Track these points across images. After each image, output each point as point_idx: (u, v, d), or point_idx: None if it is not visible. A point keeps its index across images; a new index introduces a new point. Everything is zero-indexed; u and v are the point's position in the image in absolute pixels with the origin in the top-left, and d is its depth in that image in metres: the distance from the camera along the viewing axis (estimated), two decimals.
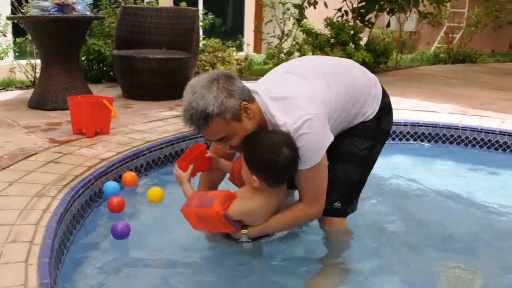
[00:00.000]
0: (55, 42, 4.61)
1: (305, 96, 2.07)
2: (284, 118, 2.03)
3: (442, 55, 11.50)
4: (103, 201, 2.91)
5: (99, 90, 5.56)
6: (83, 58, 6.23)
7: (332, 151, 2.24)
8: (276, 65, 7.53)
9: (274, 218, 2.20)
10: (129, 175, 3.14)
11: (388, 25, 9.60)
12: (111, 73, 6.29)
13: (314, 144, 2.05)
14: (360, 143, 2.35)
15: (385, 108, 2.42)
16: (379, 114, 2.37)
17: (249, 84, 2.16)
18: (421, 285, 2.27)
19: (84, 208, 2.70)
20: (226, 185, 2.52)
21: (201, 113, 1.93)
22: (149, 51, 5.42)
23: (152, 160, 3.46)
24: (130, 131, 3.84)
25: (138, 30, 5.67)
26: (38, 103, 4.69)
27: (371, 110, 2.34)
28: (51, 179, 2.75)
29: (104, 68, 6.40)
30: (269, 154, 2.01)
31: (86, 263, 2.30)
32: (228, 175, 2.43)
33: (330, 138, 2.11)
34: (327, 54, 7.44)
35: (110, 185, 2.92)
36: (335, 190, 2.32)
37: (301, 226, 2.48)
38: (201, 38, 8.02)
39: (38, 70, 5.86)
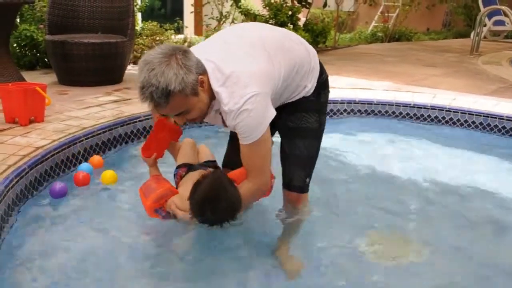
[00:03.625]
0: None
1: (249, 74, 2.05)
2: (227, 98, 2.02)
3: (379, 34, 11.79)
4: (41, 190, 2.89)
5: (34, 77, 5.38)
6: (15, 45, 5.99)
7: (286, 129, 2.36)
8: None
9: None
10: (96, 159, 3.28)
11: (325, 5, 9.73)
12: (46, 60, 6.09)
13: (254, 120, 2.03)
14: (309, 117, 2.38)
15: (323, 83, 2.44)
16: (317, 89, 2.38)
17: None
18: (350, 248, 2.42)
19: (19, 197, 2.64)
20: None
21: (163, 91, 1.88)
22: (84, 36, 5.28)
23: (90, 147, 3.40)
24: (66, 118, 3.76)
25: (71, 14, 5.51)
26: None
27: (311, 84, 2.35)
28: None
29: (38, 54, 6.18)
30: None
31: (23, 253, 2.27)
32: None
33: (272, 114, 2.10)
34: None
35: (84, 165, 3.16)
36: (303, 166, 2.41)
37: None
38: (139, 22, 7.88)
39: None
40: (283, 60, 2.18)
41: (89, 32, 5.49)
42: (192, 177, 2.25)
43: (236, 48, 2.16)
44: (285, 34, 2.36)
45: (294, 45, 2.31)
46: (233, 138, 2.61)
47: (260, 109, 2.04)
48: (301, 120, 2.38)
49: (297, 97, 2.35)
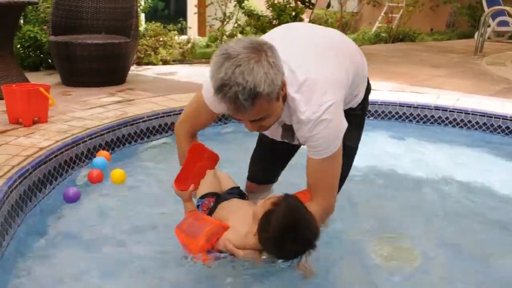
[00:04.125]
0: None
1: (325, 81, 1.84)
2: (304, 106, 1.81)
3: (383, 34, 11.77)
4: (47, 191, 2.90)
5: (37, 78, 5.38)
6: (18, 46, 6.01)
7: None
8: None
9: None
10: (103, 154, 3.32)
11: (329, 5, 9.72)
12: (49, 60, 6.11)
13: (332, 131, 1.85)
14: (351, 133, 2.14)
15: (367, 95, 2.27)
16: (364, 100, 2.21)
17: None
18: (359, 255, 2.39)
19: (22, 198, 2.64)
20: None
21: (250, 92, 1.61)
22: (87, 37, 5.29)
23: (93, 147, 3.40)
24: (70, 119, 3.76)
25: (75, 15, 5.53)
26: None
27: (361, 94, 2.17)
28: None
29: (42, 55, 6.19)
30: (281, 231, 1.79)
31: (27, 256, 2.26)
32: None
33: (346, 125, 1.91)
34: None
35: (99, 160, 3.20)
36: None
37: None
38: (143, 22, 7.89)
39: None
40: (349, 65, 2.00)
41: (92, 33, 5.50)
42: (238, 208, 2.06)
43: (307, 49, 1.94)
44: (346, 37, 2.18)
45: (353, 49, 2.12)
46: (268, 150, 2.45)
47: (338, 120, 1.86)
48: (344, 137, 2.08)
49: (345, 107, 2.11)
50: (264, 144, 2.49)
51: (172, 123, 4.07)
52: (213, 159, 2.15)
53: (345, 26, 12.02)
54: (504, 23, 11.79)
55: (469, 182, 3.29)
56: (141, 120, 3.87)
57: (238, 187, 2.32)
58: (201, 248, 1.90)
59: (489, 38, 11.38)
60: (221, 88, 1.63)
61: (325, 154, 1.88)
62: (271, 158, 2.51)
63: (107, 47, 5.21)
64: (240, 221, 1.94)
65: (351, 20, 13.05)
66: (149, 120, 3.91)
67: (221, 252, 1.94)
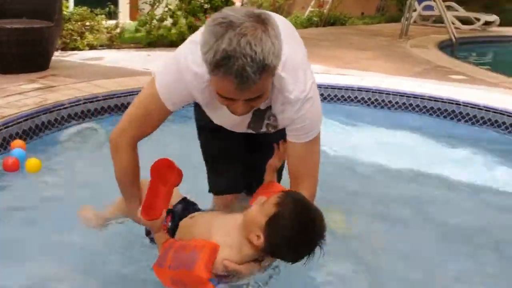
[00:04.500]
0: None
1: (302, 60, 1.77)
2: (292, 85, 1.69)
3: (314, 18, 11.93)
4: None
5: None
6: None
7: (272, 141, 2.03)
8: (148, 32, 7.39)
9: None
10: (18, 143, 3.19)
11: None
12: None
13: (317, 109, 1.77)
14: None
15: None
16: None
17: None
18: None
19: None
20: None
21: (259, 64, 1.42)
22: (7, 21, 5.05)
23: (10, 136, 3.28)
24: None
25: None
26: None
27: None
28: None
29: None
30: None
31: None
32: None
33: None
34: (200, 20, 7.44)
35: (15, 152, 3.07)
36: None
37: None
38: (71, 6, 7.63)
39: None
40: (304, 50, 1.88)
41: (13, 17, 5.25)
42: (211, 221, 1.83)
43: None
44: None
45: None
46: (223, 154, 2.20)
47: (318, 99, 1.79)
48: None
49: None
50: (214, 149, 2.23)
51: (96, 109, 4.00)
52: (179, 175, 1.85)
53: (278, 10, 12.07)
54: (429, 8, 12.23)
55: (388, 160, 3.42)
56: (62, 107, 3.77)
57: (185, 198, 2.05)
58: (204, 280, 1.64)
59: (415, 22, 11.80)
60: (225, 61, 1.42)
61: (310, 136, 1.78)
62: (226, 160, 2.22)
63: (28, 32, 5.00)
64: (225, 235, 1.75)
65: (284, 4, 13.11)
66: (70, 106, 3.82)
67: (221, 276, 1.70)
